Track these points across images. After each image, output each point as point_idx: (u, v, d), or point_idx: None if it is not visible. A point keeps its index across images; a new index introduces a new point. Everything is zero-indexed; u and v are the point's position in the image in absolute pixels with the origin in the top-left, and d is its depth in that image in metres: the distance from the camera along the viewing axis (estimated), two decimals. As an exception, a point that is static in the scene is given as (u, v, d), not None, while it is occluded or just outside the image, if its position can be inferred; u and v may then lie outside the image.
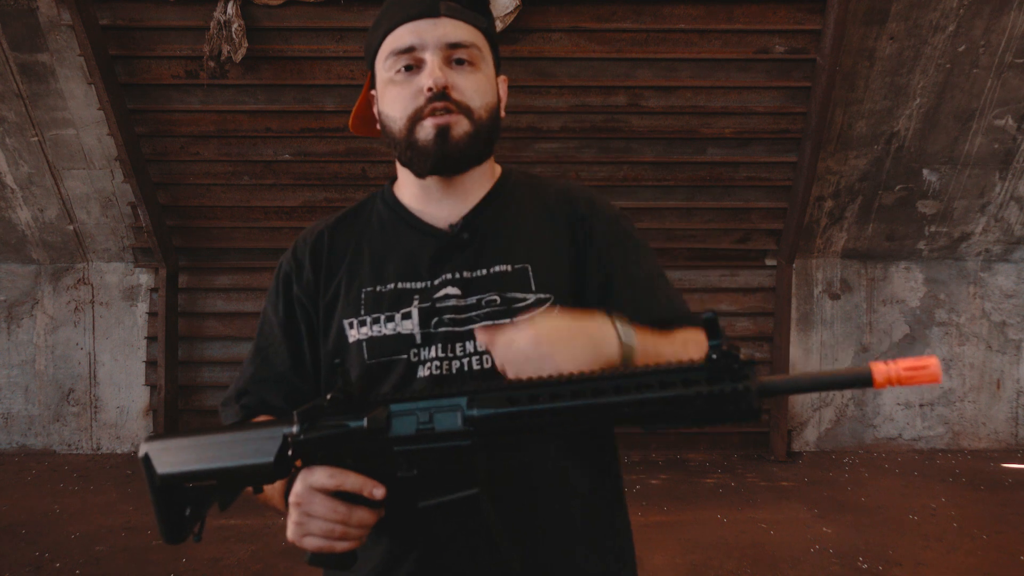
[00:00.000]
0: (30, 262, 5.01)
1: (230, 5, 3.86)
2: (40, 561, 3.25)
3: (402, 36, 0.99)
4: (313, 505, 0.81)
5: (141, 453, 0.86)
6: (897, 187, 4.72)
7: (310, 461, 0.83)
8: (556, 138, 4.21)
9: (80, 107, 4.38)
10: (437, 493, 0.81)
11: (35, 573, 3.15)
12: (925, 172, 4.68)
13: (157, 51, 4.09)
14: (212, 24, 3.87)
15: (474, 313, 0.98)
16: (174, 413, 4.78)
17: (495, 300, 0.98)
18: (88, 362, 4.99)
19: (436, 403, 0.80)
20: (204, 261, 4.83)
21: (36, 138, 4.52)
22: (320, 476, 0.81)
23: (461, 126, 0.98)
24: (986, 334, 5.03)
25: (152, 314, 4.88)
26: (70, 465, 4.72)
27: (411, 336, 0.98)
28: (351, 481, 0.81)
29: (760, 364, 4.84)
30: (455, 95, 0.97)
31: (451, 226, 1.04)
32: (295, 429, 0.82)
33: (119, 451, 4.97)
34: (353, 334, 1.00)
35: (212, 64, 3.90)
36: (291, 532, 0.83)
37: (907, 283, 5.01)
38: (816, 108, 4.09)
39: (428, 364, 0.97)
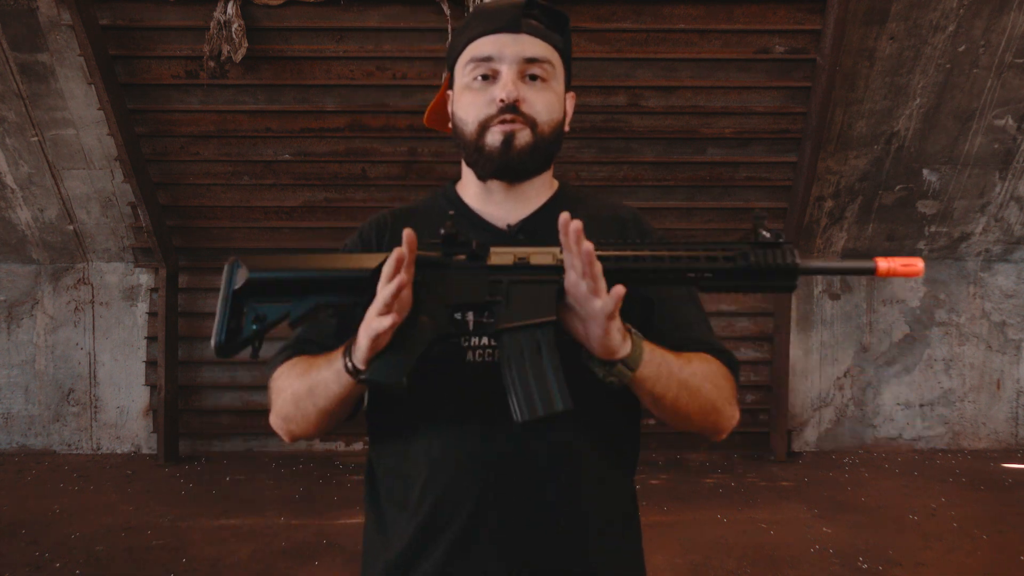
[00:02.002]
0: (30, 262, 5.01)
1: (230, 5, 3.86)
2: (40, 561, 3.25)
3: (483, 46, 1.06)
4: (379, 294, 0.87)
5: (229, 263, 0.91)
6: (897, 187, 4.72)
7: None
8: (556, 138, 4.22)
9: (80, 107, 4.38)
10: (518, 319, 0.90)
11: (35, 573, 3.15)
12: (925, 172, 4.68)
13: (157, 51, 4.08)
14: (212, 24, 3.87)
15: None
16: (174, 413, 4.78)
17: None
18: (88, 362, 4.99)
19: (532, 248, 0.92)
20: (204, 261, 4.83)
21: (36, 138, 4.52)
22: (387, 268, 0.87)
23: (524, 137, 1.05)
24: (986, 334, 5.03)
25: (152, 314, 4.88)
26: (70, 465, 4.72)
27: (463, 323, 1.03)
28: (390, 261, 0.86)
29: (760, 364, 4.85)
30: (524, 108, 1.04)
31: (508, 226, 1.11)
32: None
33: (119, 451, 4.97)
34: None
35: (212, 64, 3.90)
36: (362, 332, 0.88)
37: (907, 283, 5.01)
38: (816, 108, 4.09)
39: (479, 351, 1.04)
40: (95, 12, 3.92)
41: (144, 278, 4.97)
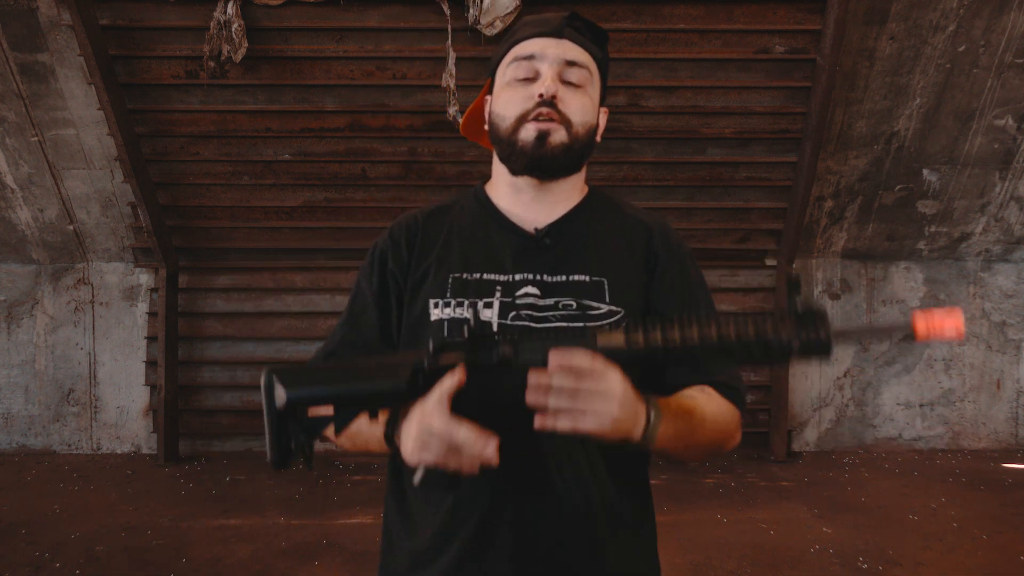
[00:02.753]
0: (30, 262, 5.01)
1: (230, 5, 3.86)
2: (40, 561, 3.25)
3: (526, 46, 1.11)
4: (434, 421, 0.88)
5: (265, 376, 0.91)
6: (897, 187, 4.72)
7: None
8: (556, 138, 4.22)
9: (80, 107, 4.38)
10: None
11: (35, 573, 3.15)
12: (925, 172, 4.68)
13: (157, 51, 4.08)
14: (212, 24, 3.87)
15: (551, 313, 1.07)
16: (174, 413, 4.78)
17: (571, 305, 1.08)
18: (88, 362, 4.99)
19: (560, 335, 0.90)
20: (204, 261, 4.83)
21: (36, 138, 4.52)
22: (436, 421, 0.87)
23: (559, 135, 1.07)
24: (986, 334, 5.03)
25: (152, 314, 4.88)
26: (70, 465, 4.72)
27: (489, 324, 1.06)
28: (463, 435, 0.87)
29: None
30: (561, 106, 1.07)
31: (536, 230, 1.13)
32: (426, 360, 0.90)
33: (119, 451, 4.97)
34: (436, 313, 1.08)
35: (212, 64, 3.90)
36: (410, 448, 0.90)
37: (907, 283, 5.01)
38: (816, 108, 4.09)
39: None
40: (95, 12, 3.92)
41: (144, 278, 4.97)
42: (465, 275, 1.10)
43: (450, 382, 0.88)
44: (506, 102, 1.11)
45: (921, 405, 5.01)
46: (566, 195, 1.16)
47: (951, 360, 5.01)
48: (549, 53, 1.09)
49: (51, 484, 4.36)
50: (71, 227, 4.86)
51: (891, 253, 4.99)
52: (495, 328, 1.05)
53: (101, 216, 4.80)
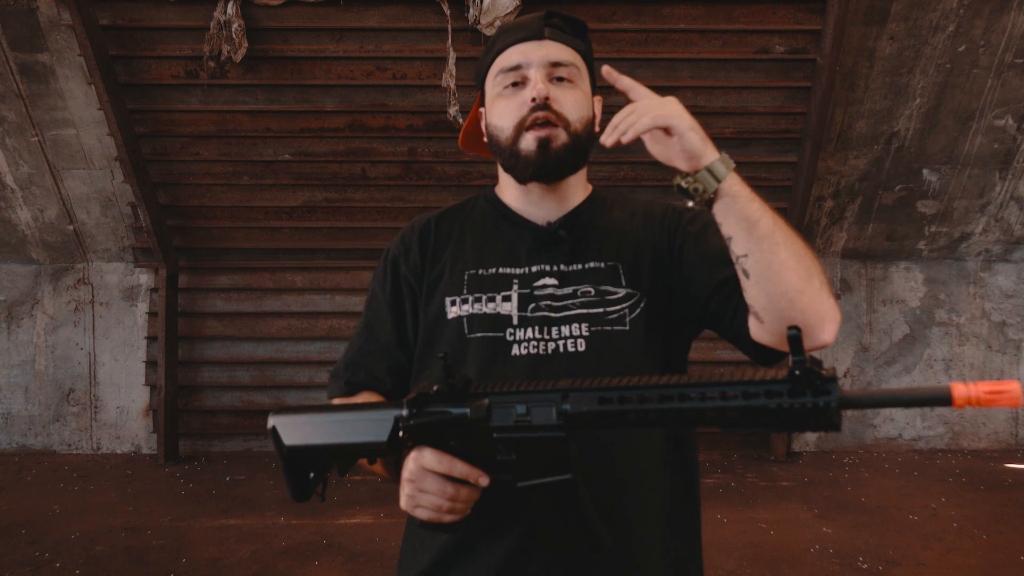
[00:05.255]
0: (30, 262, 5.01)
1: (230, 5, 3.86)
2: (40, 561, 3.25)
3: (510, 56, 1.11)
4: (425, 483, 0.91)
5: (270, 425, 0.98)
6: (897, 187, 4.72)
7: (418, 442, 0.92)
8: (556, 138, 4.22)
9: (80, 107, 4.38)
10: (534, 475, 0.88)
11: (35, 573, 3.15)
12: (925, 172, 4.68)
13: (157, 51, 4.09)
14: (212, 24, 3.87)
15: (570, 301, 1.08)
16: (174, 413, 4.78)
17: (590, 292, 1.08)
18: (88, 362, 4.99)
19: (532, 397, 0.88)
20: (204, 261, 4.83)
21: (36, 138, 4.52)
22: (431, 459, 0.90)
23: (560, 138, 1.08)
24: (986, 334, 5.03)
25: (152, 314, 4.88)
26: (70, 465, 4.72)
27: (509, 317, 1.07)
28: (459, 468, 0.90)
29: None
30: (555, 106, 1.08)
31: (549, 223, 1.14)
32: (405, 413, 0.92)
33: (119, 451, 4.97)
34: (454, 311, 1.10)
35: (212, 64, 3.90)
36: (404, 503, 0.93)
37: (907, 283, 5.01)
38: (816, 108, 4.09)
39: (524, 344, 1.06)
40: (95, 12, 3.92)
41: (144, 278, 4.96)
42: (481, 271, 1.11)
43: (435, 463, 0.90)
44: (501, 113, 1.11)
45: (921, 405, 5.00)
46: (573, 190, 1.17)
47: (951, 360, 5.01)
48: (533, 58, 1.10)
49: (51, 484, 4.36)
50: (71, 227, 4.86)
51: (891, 253, 4.99)
52: (515, 322, 1.06)
53: (101, 216, 4.80)
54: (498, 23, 3.81)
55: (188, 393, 4.89)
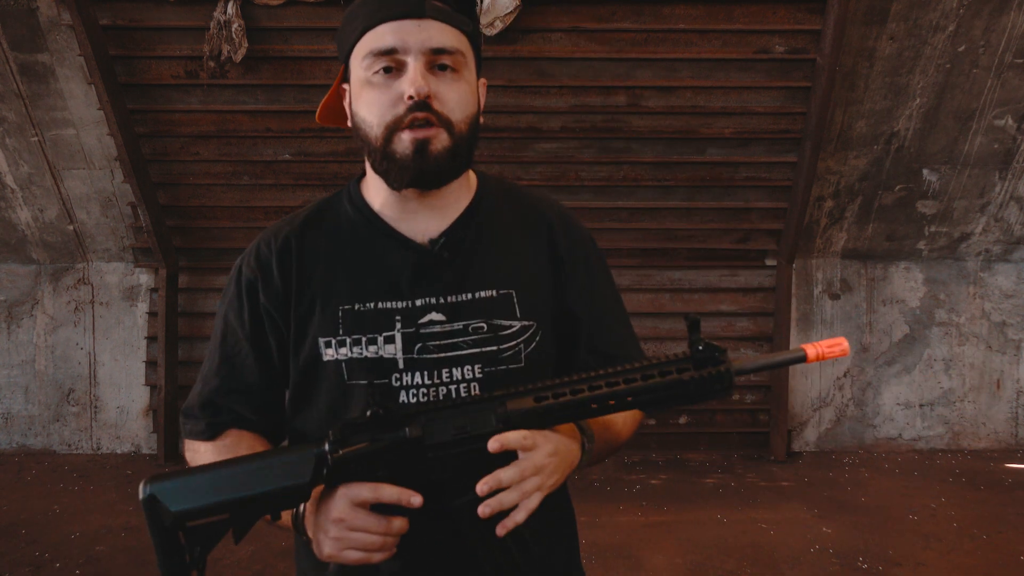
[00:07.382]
0: (30, 262, 5.01)
1: (230, 5, 3.86)
2: (40, 561, 3.25)
3: (383, 36, 0.92)
4: (356, 520, 0.83)
5: (144, 494, 0.83)
6: (897, 187, 4.72)
7: (342, 478, 0.85)
8: (556, 138, 4.20)
9: (80, 107, 4.38)
10: (467, 493, 0.86)
11: (35, 573, 3.15)
12: (925, 172, 4.68)
13: (157, 51, 4.09)
14: (212, 24, 3.87)
15: (460, 340, 0.98)
16: (174, 413, 4.78)
17: (482, 328, 0.98)
18: (88, 362, 4.99)
19: (469, 408, 0.87)
20: (204, 261, 4.83)
21: (36, 138, 4.52)
22: (362, 491, 0.83)
23: (440, 141, 0.93)
24: (986, 334, 5.03)
25: (152, 314, 4.88)
26: (70, 465, 4.72)
27: (394, 361, 0.96)
28: (388, 492, 0.83)
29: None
30: (436, 105, 0.92)
31: (431, 241, 1.01)
32: (328, 448, 0.85)
33: (119, 451, 4.97)
34: (330, 353, 0.97)
35: (212, 64, 3.90)
36: (330, 547, 0.84)
37: (907, 283, 5.01)
38: (816, 108, 4.09)
39: (413, 390, 0.97)
40: (95, 12, 3.92)
41: (144, 278, 4.96)
42: (358, 305, 0.98)
43: (367, 493, 0.84)
44: (370, 105, 0.94)
45: (921, 405, 5.01)
46: (455, 195, 1.02)
47: (951, 360, 5.01)
48: (412, 42, 0.91)
49: (51, 484, 4.35)
50: (71, 227, 4.86)
51: (891, 253, 4.99)
52: (401, 366, 0.97)
53: (101, 216, 4.80)
54: (498, 23, 3.81)
55: (188, 393, 4.88)
